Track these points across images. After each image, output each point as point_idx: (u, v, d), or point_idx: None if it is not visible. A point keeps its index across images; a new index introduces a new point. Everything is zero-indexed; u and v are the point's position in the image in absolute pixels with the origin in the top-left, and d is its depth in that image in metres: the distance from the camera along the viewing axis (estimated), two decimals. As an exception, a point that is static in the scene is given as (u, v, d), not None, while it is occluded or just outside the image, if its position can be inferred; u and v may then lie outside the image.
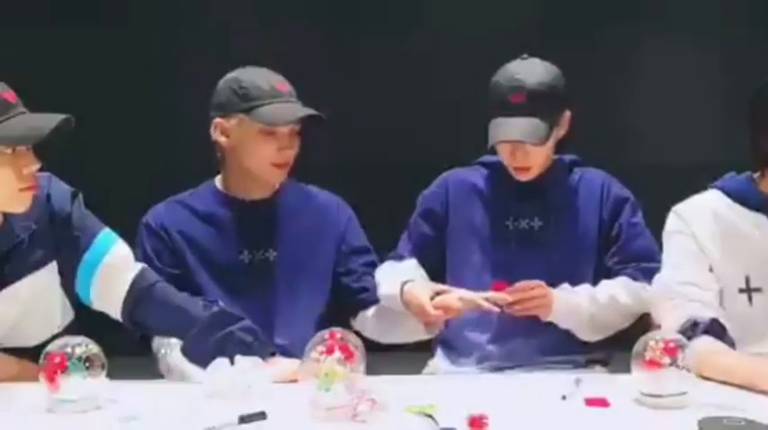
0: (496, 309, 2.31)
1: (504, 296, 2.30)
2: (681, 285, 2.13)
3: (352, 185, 2.65)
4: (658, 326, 2.18)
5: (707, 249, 2.14)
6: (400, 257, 2.54)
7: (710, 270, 2.13)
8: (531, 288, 2.33)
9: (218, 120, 2.44)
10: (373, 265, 2.54)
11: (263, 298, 2.41)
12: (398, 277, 2.41)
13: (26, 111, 2.05)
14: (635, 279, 2.41)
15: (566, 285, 2.40)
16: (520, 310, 2.33)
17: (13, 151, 2.02)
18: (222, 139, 2.44)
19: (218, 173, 2.52)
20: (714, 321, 2.05)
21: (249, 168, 2.43)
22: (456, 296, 2.32)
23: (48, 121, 2.02)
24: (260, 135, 2.40)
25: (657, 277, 2.25)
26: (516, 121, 2.40)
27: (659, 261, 2.30)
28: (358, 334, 2.37)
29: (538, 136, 2.39)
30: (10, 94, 2.03)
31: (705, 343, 2.02)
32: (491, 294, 2.32)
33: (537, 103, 2.39)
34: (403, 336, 2.50)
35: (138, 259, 2.32)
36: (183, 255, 2.42)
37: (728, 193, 2.16)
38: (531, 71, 2.43)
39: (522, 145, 2.41)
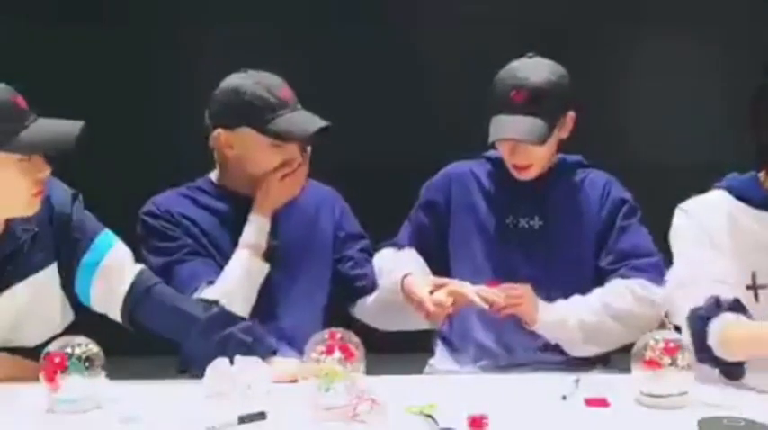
0: (486, 307, 2.29)
1: (497, 299, 2.29)
2: (698, 268, 2.09)
3: (351, 185, 2.65)
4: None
5: (718, 243, 2.11)
6: (400, 246, 2.54)
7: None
8: (513, 289, 2.31)
9: (220, 131, 2.42)
10: (369, 252, 2.56)
11: (262, 286, 2.40)
12: (399, 269, 2.41)
13: (38, 117, 2.05)
14: (626, 277, 2.38)
15: (560, 301, 2.37)
16: (497, 308, 2.31)
17: (29, 158, 2.03)
18: (227, 151, 2.43)
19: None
20: (736, 300, 2.02)
21: (255, 175, 2.43)
22: (450, 290, 2.30)
23: (69, 129, 2.03)
24: (270, 147, 2.40)
25: (671, 271, 2.20)
26: (516, 119, 2.38)
27: (653, 256, 2.28)
28: (358, 327, 2.37)
29: (537, 135, 2.38)
30: (21, 100, 2.04)
31: (729, 318, 1.98)
32: (484, 291, 2.30)
33: (539, 101, 2.38)
34: (405, 325, 2.49)
35: (143, 249, 2.35)
36: (191, 236, 2.42)
37: (734, 193, 2.15)
38: (535, 70, 2.42)
39: (523, 144, 2.40)
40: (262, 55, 2.54)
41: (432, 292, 2.30)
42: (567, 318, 2.34)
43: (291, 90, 2.43)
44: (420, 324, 2.45)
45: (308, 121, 2.40)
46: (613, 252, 2.44)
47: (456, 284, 2.33)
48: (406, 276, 2.37)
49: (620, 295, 2.35)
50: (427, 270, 2.47)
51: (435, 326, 2.46)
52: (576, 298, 2.38)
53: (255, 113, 2.37)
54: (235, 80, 2.42)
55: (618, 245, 2.44)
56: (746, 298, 2.09)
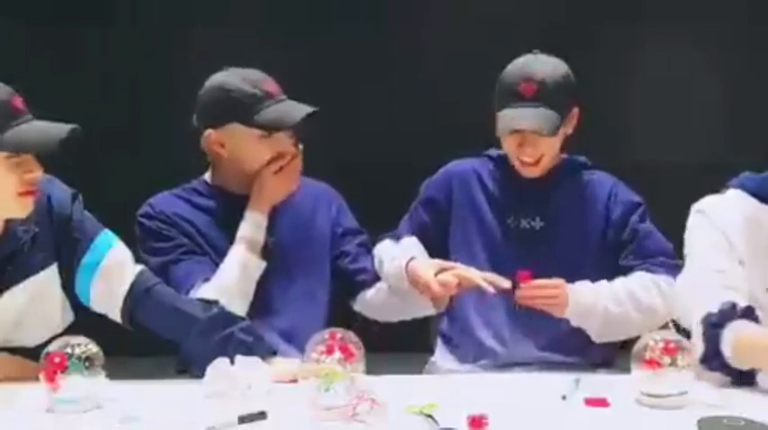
0: (492, 291, 2.28)
1: (503, 283, 2.29)
2: (714, 273, 2.06)
3: (351, 183, 2.65)
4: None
5: (735, 246, 2.09)
6: (399, 238, 2.53)
7: (741, 264, 2.08)
8: (547, 286, 2.31)
9: (210, 131, 2.42)
10: (366, 246, 2.56)
11: (260, 285, 2.40)
12: (403, 255, 2.41)
13: (33, 119, 2.06)
14: (652, 272, 2.37)
15: (587, 282, 2.36)
16: (531, 304, 2.32)
17: (18, 156, 2.02)
18: (218, 150, 2.43)
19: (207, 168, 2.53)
20: (750, 308, 1.99)
21: (250, 172, 2.43)
22: (455, 273, 2.30)
23: (57, 131, 2.03)
24: (260, 140, 2.40)
25: (683, 270, 2.17)
26: (527, 111, 2.38)
27: (674, 258, 2.27)
28: (358, 326, 2.38)
29: (549, 125, 2.37)
30: (18, 101, 2.04)
31: (742, 325, 1.95)
32: (491, 275, 2.30)
33: (548, 94, 2.38)
34: (409, 313, 2.50)
35: (141, 251, 2.34)
36: (187, 236, 2.42)
37: (752, 192, 2.13)
38: (542, 64, 2.43)
39: (532, 136, 2.39)
40: (262, 53, 2.54)
41: (436, 275, 2.30)
42: (596, 304, 2.34)
43: (276, 83, 2.43)
44: (424, 310, 2.46)
45: (294, 109, 2.40)
46: (638, 251, 2.43)
47: (461, 268, 2.33)
48: (410, 260, 2.37)
49: (647, 289, 2.35)
50: (427, 255, 2.47)
51: (440, 308, 2.45)
52: (603, 283, 2.37)
53: (241, 107, 2.38)
54: (218, 78, 2.43)
55: (643, 244, 2.43)
56: (766, 301, 2.07)
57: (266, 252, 2.42)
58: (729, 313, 1.96)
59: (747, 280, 2.07)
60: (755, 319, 1.99)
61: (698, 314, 2.01)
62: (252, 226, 2.41)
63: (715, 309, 1.98)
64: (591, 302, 2.34)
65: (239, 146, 2.42)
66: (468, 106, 2.58)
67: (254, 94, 2.38)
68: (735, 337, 1.89)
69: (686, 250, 2.18)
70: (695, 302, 2.06)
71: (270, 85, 2.42)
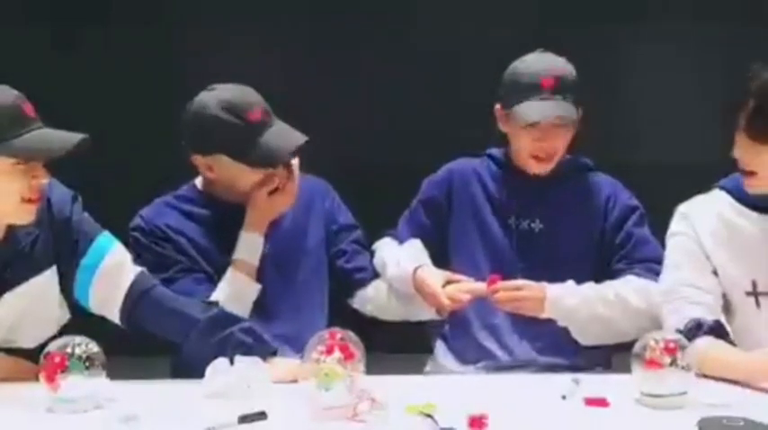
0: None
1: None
2: (683, 286, 2.12)
3: (349, 184, 2.65)
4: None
5: (712, 252, 2.12)
6: (400, 241, 2.53)
7: (714, 273, 2.12)
8: (520, 288, 2.32)
9: (196, 156, 2.39)
10: (361, 242, 2.55)
11: (261, 290, 2.39)
12: (410, 261, 2.42)
13: (43, 126, 2.06)
14: (641, 276, 2.37)
15: (571, 283, 2.36)
16: (507, 307, 2.34)
17: (26, 163, 2.03)
18: (207, 173, 2.41)
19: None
20: (717, 322, 2.05)
21: (242, 191, 2.40)
22: (465, 288, 2.33)
23: (66, 139, 2.04)
24: (248, 168, 2.36)
25: (660, 278, 2.23)
26: (550, 103, 2.38)
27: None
28: (358, 326, 2.38)
29: (572, 117, 2.39)
30: (29, 108, 2.05)
31: (707, 341, 2.02)
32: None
33: (566, 88, 2.40)
34: (412, 316, 2.50)
35: (135, 263, 2.30)
36: (181, 251, 2.40)
37: (734, 194, 2.14)
38: (556, 61, 2.44)
39: (552, 130, 2.40)
40: (262, 53, 2.53)
41: (444, 286, 2.32)
42: (580, 305, 2.34)
43: (262, 105, 2.36)
44: (426, 315, 2.46)
45: (282, 143, 2.34)
46: (630, 257, 2.43)
47: (469, 281, 2.35)
48: (417, 268, 2.38)
49: (637, 292, 2.34)
50: (430, 260, 2.47)
51: (444, 315, 2.46)
52: (591, 285, 2.37)
53: (228, 143, 2.33)
54: (201, 104, 2.36)
55: (635, 251, 2.43)
56: (747, 304, 2.10)
57: (263, 260, 2.40)
58: (694, 331, 2.03)
59: (723, 286, 2.11)
60: (722, 333, 2.05)
61: (667, 327, 2.08)
62: (247, 247, 2.39)
63: (681, 326, 2.04)
64: (574, 303, 2.34)
65: (228, 173, 2.38)
66: (468, 107, 2.58)
67: (237, 126, 2.31)
68: (697, 353, 1.91)
69: (665, 255, 2.22)
70: (666, 315, 2.13)
71: (255, 111, 2.33)
